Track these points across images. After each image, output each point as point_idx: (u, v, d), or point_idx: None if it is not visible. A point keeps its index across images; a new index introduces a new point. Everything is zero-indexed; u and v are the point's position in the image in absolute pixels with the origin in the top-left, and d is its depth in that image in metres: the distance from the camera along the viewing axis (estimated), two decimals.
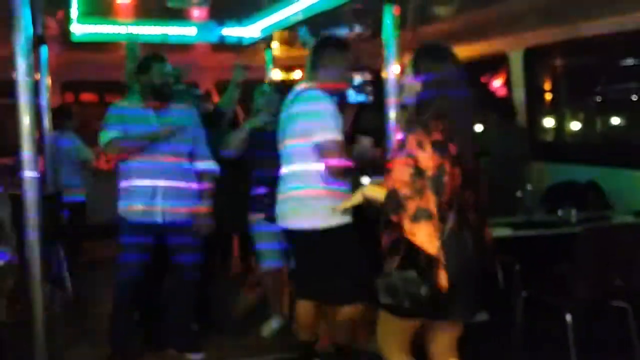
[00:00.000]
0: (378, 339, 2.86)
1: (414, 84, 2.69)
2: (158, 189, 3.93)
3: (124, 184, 4.02)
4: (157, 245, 4.04)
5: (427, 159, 2.49)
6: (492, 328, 4.48)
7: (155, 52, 4.20)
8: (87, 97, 9.53)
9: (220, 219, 4.28)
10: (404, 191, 2.48)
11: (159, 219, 3.96)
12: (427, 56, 2.71)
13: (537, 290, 3.93)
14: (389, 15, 4.13)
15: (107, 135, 3.96)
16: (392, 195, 2.51)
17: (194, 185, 4.10)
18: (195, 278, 4.15)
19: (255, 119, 4.43)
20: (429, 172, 2.49)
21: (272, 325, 4.54)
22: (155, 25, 6.92)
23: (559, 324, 3.67)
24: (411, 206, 2.48)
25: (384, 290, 2.56)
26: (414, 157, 2.49)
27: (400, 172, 2.50)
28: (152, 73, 3.97)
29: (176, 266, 4.13)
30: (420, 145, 2.50)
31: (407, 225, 2.49)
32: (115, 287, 4.05)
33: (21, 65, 3.42)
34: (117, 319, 4.06)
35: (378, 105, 4.31)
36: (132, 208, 3.96)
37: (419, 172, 2.48)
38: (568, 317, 3.62)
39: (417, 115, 2.65)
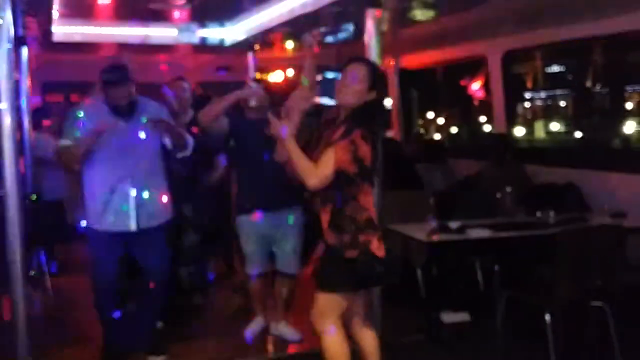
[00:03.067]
0: (314, 317, 3.16)
1: (368, 94, 3.12)
2: (129, 194, 3.76)
3: (92, 191, 3.83)
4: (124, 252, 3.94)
5: (366, 151, 2.99)
6: (473, 328, 4.55)
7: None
8: (72, 97, 9.42)
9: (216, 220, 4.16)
10: (352, 170, 2.98)
11: (133, 227, 3.82)
12: (381, 79, 3.27)
13: (517, 291, 3.98)
14: (371, 19, 4.16)
15: (61, 142, 3.80)
16: (342, 174, 2.99)
17: (165, 189, 3.98)
18: (164, 282, 4.03)
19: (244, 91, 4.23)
20: (367, 162, 2.99)
21: (256, 327, 4.54)
22: (136, 26, 6.91)
23: (539, 323, 3.73)
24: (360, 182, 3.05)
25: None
26: (357, 145, 2.96)
27: (343, 154, 2.97)
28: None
29: (145, 271, 4.00)
30: (364, 139, 2.99)
31: (361, 198, 3.06)
32: (95, 301, 3.98)
33: (2, 67, 3.40)
34: (106, 323, 4.03)
35: None
36: (103, 217, 3.78)
37: (356, 158, 2.97)
38: (547, 317, 3.68)
39: (363, 119, 3.09)
